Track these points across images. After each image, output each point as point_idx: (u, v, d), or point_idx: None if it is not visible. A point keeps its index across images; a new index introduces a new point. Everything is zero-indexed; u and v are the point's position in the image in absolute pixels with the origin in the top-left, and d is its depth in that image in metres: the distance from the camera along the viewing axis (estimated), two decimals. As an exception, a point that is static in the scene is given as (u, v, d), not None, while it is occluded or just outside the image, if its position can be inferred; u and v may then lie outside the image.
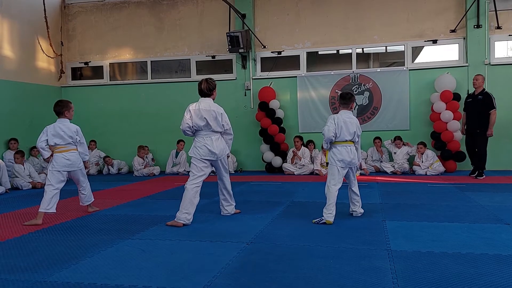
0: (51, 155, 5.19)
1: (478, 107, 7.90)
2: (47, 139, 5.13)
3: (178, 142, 10.13)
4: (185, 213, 4.61)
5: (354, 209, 4.95)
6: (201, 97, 4.86)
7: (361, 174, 8.65)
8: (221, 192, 5.13)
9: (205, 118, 4.69)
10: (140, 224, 4.70)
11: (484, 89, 8.09)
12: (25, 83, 9.95)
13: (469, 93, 8.30)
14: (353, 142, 4.79)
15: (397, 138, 9.21)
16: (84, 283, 2.93)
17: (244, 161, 10.44)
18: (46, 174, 8.71)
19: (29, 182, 8.13)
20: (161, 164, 10.46)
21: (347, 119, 4.75)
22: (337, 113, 4.91)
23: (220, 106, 4.88)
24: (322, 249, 3.64)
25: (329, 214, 4.58)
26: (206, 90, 4.79)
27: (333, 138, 4.71)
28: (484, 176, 7.92)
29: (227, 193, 5.12)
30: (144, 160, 10.09)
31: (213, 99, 4.87)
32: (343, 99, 4.85)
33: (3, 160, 8.12)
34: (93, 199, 5.61)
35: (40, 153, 5.31)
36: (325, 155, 9.19)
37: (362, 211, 4.96)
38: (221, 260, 3.35)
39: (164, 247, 3.80)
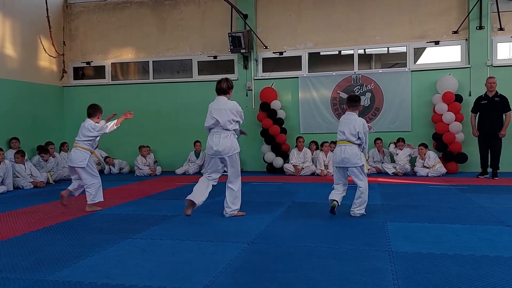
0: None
1: (495, 109, 8.05)
2: None
3: (195, 143, 10.14)
4: (193, 194, 4.84)
5: (351, 208, 4.96)
6: (217, 95, 5.04)
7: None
8: (226, 193, 5.08)
9: (214, 117, 4.90)
10: (141, 224, 4.70)
11: (497, 92, 8.17)
12: (27, 82, 9.97)
13: (481, 95, 8.35)
14: (350, 142, 4.86)
15: (400, 140, 9.19)
16: (85, 282, 2.93)
17: (245, 162, 10.43)
18: (48, 173, 8.78)
19: (30, 182, 8.11)
20: (163, 164, 10.46)
21: (343, 120, 4.99)
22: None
23: None
24: (322, 249, 3.63)
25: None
26: (226, 87, 5.01)
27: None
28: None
29: (228, 195, 5.00)
30: (146, 159, 10.09)
31: (228, 99, 5.06)
32: (354, 102, 5.03)
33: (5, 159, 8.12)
34: (101, 200, 5.59)
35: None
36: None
37: (358, 214, 4.90)
38: (222, 260, 3.35)
39: (165, 246, 3.80)
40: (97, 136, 5.59)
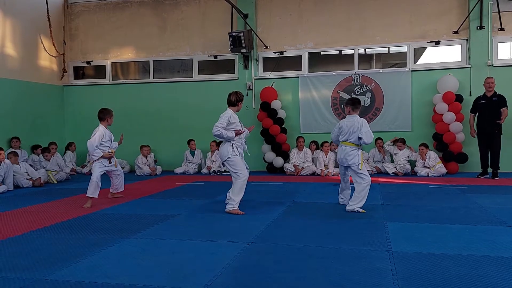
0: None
1: (494, 109, 8.11)
2: None
3: (189, 141, 10.16)
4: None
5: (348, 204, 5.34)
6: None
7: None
8: None
9: None
10: (141, 223, 4.70)
11: (495, 91, 8.23)
12: (27, 81, 9.97)
13: (480, 95, 8.38)
14: (351, 143, 5.26)
15: (400, 140, 9.18)
16: (85, 281, 2.93)
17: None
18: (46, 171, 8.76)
19: (28, 180, 8.07)
20: (164, 164, 10.46)
21: (346, 122, 5.36)
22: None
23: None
24: (322, 249, 3.63)
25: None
26: (234, 100, 5.32)
27: (336, 141, 5.54)
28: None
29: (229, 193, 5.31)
30: (147, 159, 10.09)
31: (236, 111, 5.34)
32: (358, 104, 5.40)
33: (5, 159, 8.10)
34: (93, 196, 5.86)
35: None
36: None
37: (353, 209, 5.16)
38: (222, 260, 3.35)
39: (165, 246, 3.80)
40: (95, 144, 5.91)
